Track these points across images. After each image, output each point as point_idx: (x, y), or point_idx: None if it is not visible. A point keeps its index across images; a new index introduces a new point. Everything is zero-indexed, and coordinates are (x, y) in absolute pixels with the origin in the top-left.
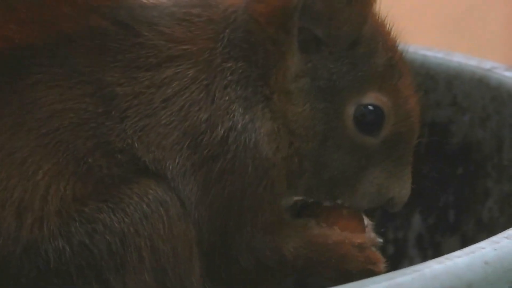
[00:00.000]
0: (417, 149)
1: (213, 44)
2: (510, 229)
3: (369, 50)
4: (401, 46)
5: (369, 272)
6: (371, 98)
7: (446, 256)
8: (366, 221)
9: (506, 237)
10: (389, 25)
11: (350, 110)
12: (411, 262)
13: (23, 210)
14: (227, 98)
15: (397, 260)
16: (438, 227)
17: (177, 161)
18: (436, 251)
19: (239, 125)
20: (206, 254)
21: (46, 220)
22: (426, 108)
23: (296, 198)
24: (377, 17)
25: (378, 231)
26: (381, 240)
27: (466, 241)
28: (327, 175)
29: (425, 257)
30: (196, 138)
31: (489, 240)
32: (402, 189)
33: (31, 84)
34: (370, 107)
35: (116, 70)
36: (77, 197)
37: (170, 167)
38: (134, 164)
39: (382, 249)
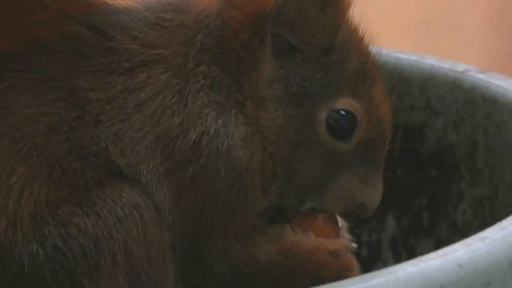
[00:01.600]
0: (391, 152)
1: (186, 49)
2: (483, 231)
3: (342, 57)
4: (374, 50)
5: (343, 278)
6: (344, 104)
7: (419, 258)
8: (341, 222)
9: (479, 240)
10: (362, 30)
11: (322, 115)
12: (385, 265)
13: None
14: (199, 102)
15: (371, 263)
16: (412, 230)
17: (151, 166)
18: (410, 254)
19: (212, 130)
20: (180, 259)
21: (19, 224)
22: (399, 111)
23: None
24: (350, 23)
25: (352, 232)
26: (355, 245)
27: (440, 244)
28: (300, 181)
29: (399, 260)
30: (169, 143)
31: (463, 243)
32: (373, 195)
33: (4, 88)
34: (342, 112)
35: (89, 75)
36: (51, 200)
37: (144, 172)
38: (108, 168)
39: (356, 252)
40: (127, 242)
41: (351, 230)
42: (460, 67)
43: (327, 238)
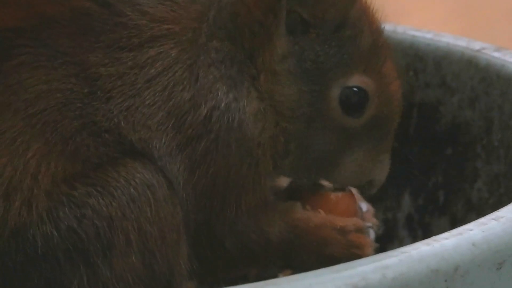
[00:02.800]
0: (406, 130)
1: (197, 24)
2: (498, 210)
3: (355, 32)
4: (387, 27)
5: (354, 256)
6: (356, 81)
7: (433, 238)
8: (367, 206)
9: (494, 219)
10: (374, 7)
11: (336, 91)
12: (401, 243)
13: (12, 190)
14: (211, 77)
15: (386, 241)
16: (427, 208)
17: (163, 141)
18: (426, 231)
19: (223, 104)
20: (193, 235)
21: (35, 203)
22: (415, 89)
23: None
24: (363, 1)
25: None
26: (369, 224)
27: (455, 222)
28: (312, 156)
29: (415, 238)
30: (180, 118)
31: (477, 222)
32: (381, 172)
33: (15, 65)
34: (355, 89)
35: (100, 50)
36: (67, 176)
37: (157, 146)
38: (120, 144)
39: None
40: (140, 221)
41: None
42: (476, 45)
43: (339, 215)
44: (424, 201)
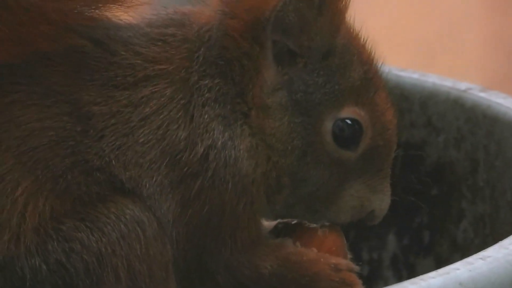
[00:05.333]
0: (391, 170)
1: (189, 63)
2: (484, 250)
3: (343, 61)
4: (376, 60)
5: None
6: (349, 112)
7: (420, 277)
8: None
9: (480, 258)
10: (364, 38)
11: (328, 124)
12: (386, 283)
13: (0, 226)
14: (206, 116)
15: (371, 282)
16: (412, 248)
17: (154, 179)
18: (411, 272)
19: (219, 143)
20: (182, 271)
21: (23, 237)
22: (400, 129)
23: (275, 220)
24: (351, 30)
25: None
26: (357, 267)
27: (440, 262)
28: (306, 190)
29: (400, 278)
30: (174, 156)
31: (464, 261)
32: (382, 202)
33: (8, 103)
34: (348, 121)
35: (93, 89)
36: (55, 214)
37: (147, 185)
38: (111, 183)
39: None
40: (130, 258)
41: (351, 248)
42: (462, 85)
43: (326, 251)
44: (409, 241)
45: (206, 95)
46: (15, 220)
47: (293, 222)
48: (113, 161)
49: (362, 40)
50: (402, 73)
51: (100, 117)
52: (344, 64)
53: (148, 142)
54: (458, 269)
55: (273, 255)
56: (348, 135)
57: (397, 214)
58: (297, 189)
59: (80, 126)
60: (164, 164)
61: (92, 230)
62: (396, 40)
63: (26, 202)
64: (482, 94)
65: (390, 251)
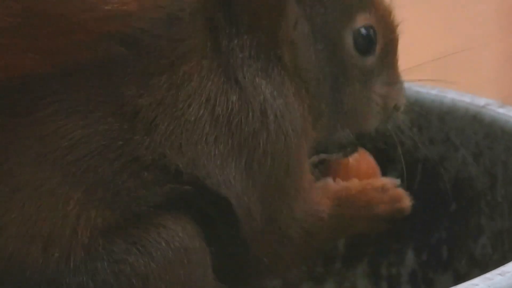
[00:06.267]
0: (410, 186)
1: (210, 32)
2: (504, 265)
3: None
4: None
5: (397, 211)
6: (361, 20)
7: None
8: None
9: (499, 274)
10: None
11: (348, 38)
12: None
13: (51, 244)
14: (248, 74)
15: None
16: (431, 264)
17: (212, 153)
18: (430, 287)
19: (269, 96)
20: (260, 241)
21: (73, 255)
22: (419, 145)
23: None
24: None
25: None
26: (397, 180)
27: (459, 278)
28: (344, 109)
29: None
30: (231, 122)
31: (483, 277)
32: (400, 93)
33: (49, 114)
34: (363, 29)
35: (132, 82)
36: (106, 228)
37: (206, 162)
38: (161, 186)
39: (376, 285)
40: (173, 283)
41: (370, 264)
42: (481, 101)
43: (364, 175)
44: (427, 256)
45: (240, 56)
46: (67, 236)
47: (317, 161)
48: (167, 149)
49: None
50: (421, 89)
51: (148, 108)
52: None
53: (201, 117)
54: (477, 284)
55: (325, 197)
56: (367, 41)
57: (415, 229)
58: (334, 111)
59: (127, 124)
60: (222, 133)
61: (143, 254)
62: (415, 57)
63: (78, 215)
64: (500, 110)
65: (408, 266)
